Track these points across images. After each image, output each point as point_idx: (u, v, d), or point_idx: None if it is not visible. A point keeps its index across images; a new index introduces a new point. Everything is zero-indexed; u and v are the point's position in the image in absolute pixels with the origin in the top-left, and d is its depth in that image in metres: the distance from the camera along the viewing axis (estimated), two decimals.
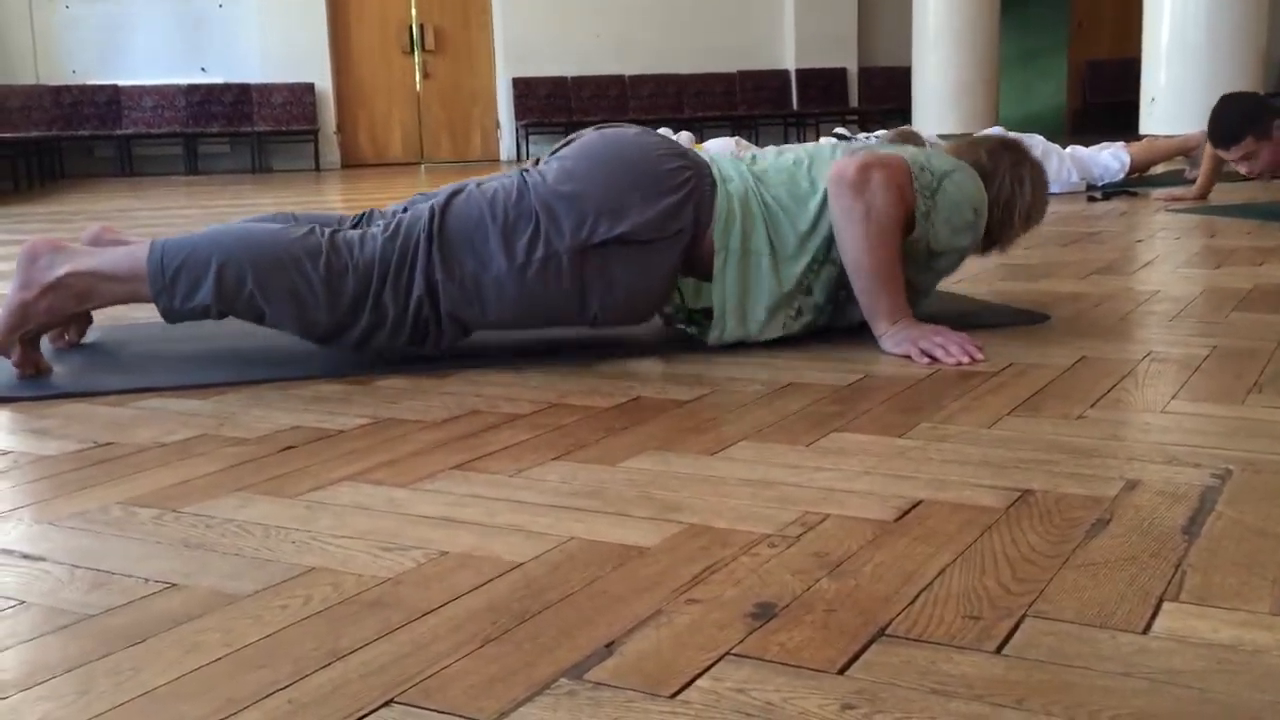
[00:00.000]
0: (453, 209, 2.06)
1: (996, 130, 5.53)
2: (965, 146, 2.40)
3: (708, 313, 2.22)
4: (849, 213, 2.07)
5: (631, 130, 2.19)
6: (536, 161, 2.19)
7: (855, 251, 2.08)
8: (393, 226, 2.07)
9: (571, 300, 2.07)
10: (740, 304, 2.15)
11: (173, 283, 2.03)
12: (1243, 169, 4.58)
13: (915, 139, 5.25)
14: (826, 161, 2.20)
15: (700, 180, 2.12)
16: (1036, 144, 5.65)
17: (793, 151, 2.29)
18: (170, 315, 2.07)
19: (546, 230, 2.03)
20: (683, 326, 2.31)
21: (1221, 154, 4.62)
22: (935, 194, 2.14)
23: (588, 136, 2.18)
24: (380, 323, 2.05)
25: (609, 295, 2.07)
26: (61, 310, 2.09)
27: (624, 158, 2.09)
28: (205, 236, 2.08)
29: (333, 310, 2.03)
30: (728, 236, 2.11)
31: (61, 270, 2.05)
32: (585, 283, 2.05)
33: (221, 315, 2.08)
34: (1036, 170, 2.36)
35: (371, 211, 2.24)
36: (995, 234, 2.36)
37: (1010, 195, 2.32)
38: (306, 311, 2.03)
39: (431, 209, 2.07)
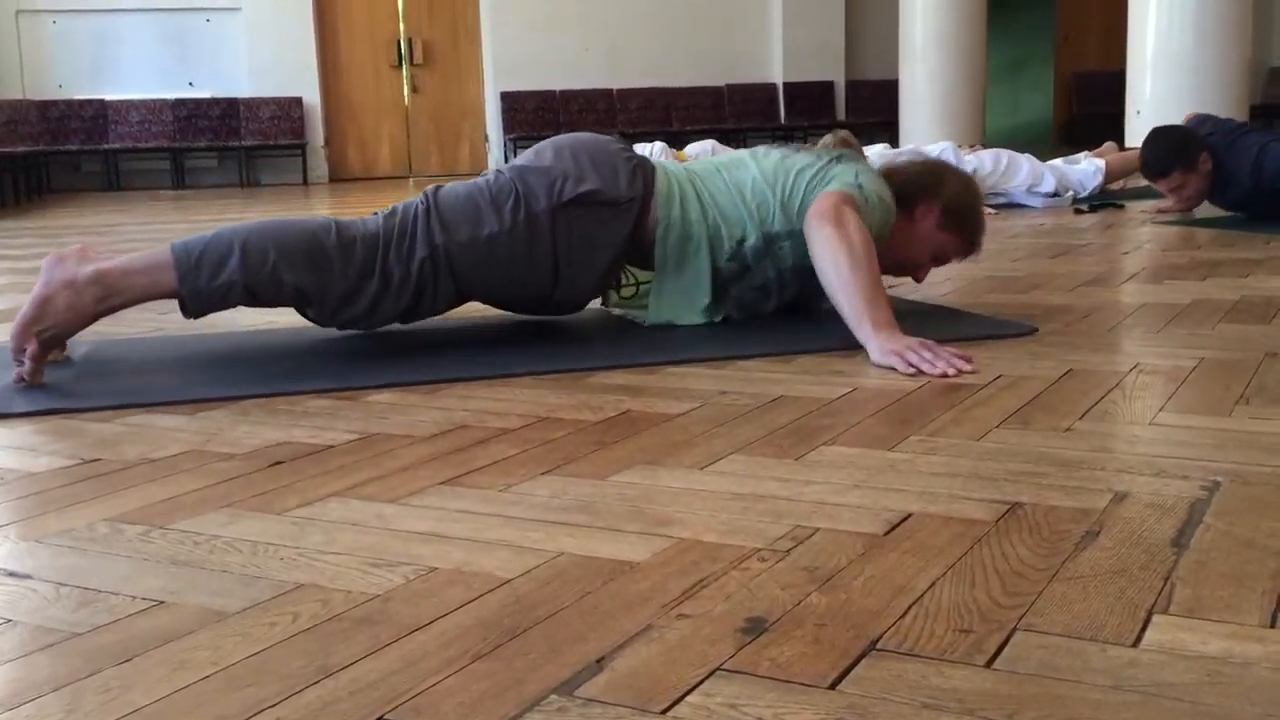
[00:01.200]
0: (442, 192, 2.36)
1: (942, 146, 5.79)
2: (900, 167, 2.61)
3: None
4: (829, 239, 2.23)
5: (583, 133, 2.56)
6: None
7: (841, 277, 2.20)
8: (388, 211, 2.33)
9: (546, 260, 2.35)
10: (676, 273, 2.46)
11: (198, 263, 2.19)
12: (1172, 200, 4.77)
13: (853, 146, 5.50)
14: (747, 167, 2.49)
15: (644, 162, 2.47)
16: (1004, 154, 5.85)
17: (725, 157, 2.61)
18: (195, 297, 2.20)
19: (525, 196, 2.34)
20: (622, 312, 2.63)
21: (1152, 185, 4.79)
22: (871, 207, 2.36)
23: (544, 141, 2.51)
24: (386, 286, 2.28)
25: (571, 254, 2.36)
26: (80, 310, 2.16)
27: (581, 142, 2.45)
28: (224, 228, 2.26)
29: (345, 274, 2.24)
30: (669, 208, 2.42)
31: (87, 269, 2.17)
32: (556, 241, 2.34)
33: (247, 291, 2.21)
34: (972, 182, 2.64)
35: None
36: (970, 236, 2.56)
37: (965, 196, 2.56)
38: (324, 276, 2.23)
39: (424, 194, 2.35)
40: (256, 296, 2.24)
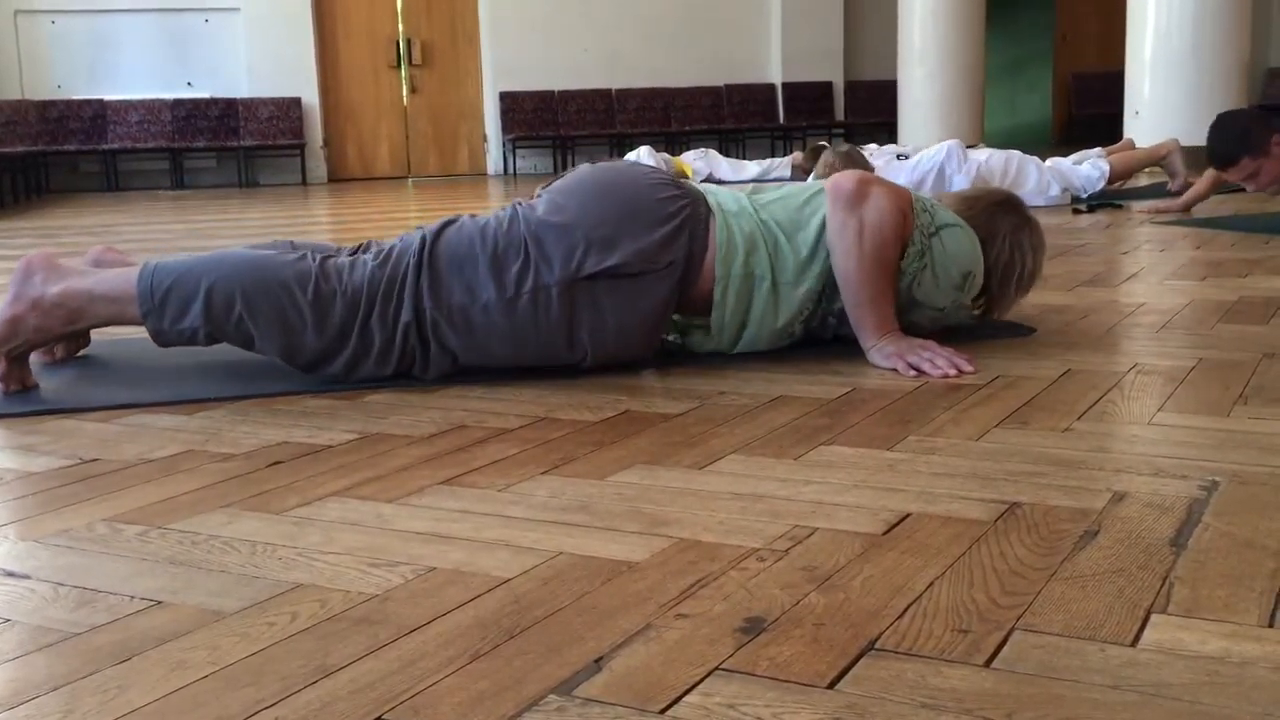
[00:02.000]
0: (444, 237, 2.06)
1: (973, 150, 5.67)
2: (966, 202, 2.34)
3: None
4: (843, 225, 2.08)
5: (623, 164, 2.21)
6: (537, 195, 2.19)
7: (846, 264, 2.08)
8: (384, 253, 2.07)
9: (560, 335, 2.05)
10: (737, 327, 2.16)
11: (162, 304, 2.04)
12: (1249, 187, 4.51)
13: (858, 159, 5.24)
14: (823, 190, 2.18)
15: (695, 209, 2.11)
16: (1014, 158, 5.73)
17: (795, 185, 2.29)
18: (160, 337, 2.07)
19: (536, 262, 2.02)
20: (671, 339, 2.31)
21: (1224, 176, 4.59)
22: (931, 238, 2.14)
23: (580, 170, 2.17)
24: (366, 350, 2.04)
25: (598, 330, 2.05)
26: (49, 330, 2.09)
27: (615, 188, 2.08)
28: (198, 260, 2.08)
29: (320, 335, 2.02)
30: (729, 264, 2.09)
31: (54, 289, 2.06)
32: (574, 317, 2.04)
33: (211, 339, 2.07)
34: (1037, 235, 2.33)
35: (369, 242, 2.20)
36: (991, 298, 2.34)
37: (1009, 260, 2.29)
38: (294, 336, 2.03)
39: (423, 237, 2.07)
40: (226, 342, 2.08)
